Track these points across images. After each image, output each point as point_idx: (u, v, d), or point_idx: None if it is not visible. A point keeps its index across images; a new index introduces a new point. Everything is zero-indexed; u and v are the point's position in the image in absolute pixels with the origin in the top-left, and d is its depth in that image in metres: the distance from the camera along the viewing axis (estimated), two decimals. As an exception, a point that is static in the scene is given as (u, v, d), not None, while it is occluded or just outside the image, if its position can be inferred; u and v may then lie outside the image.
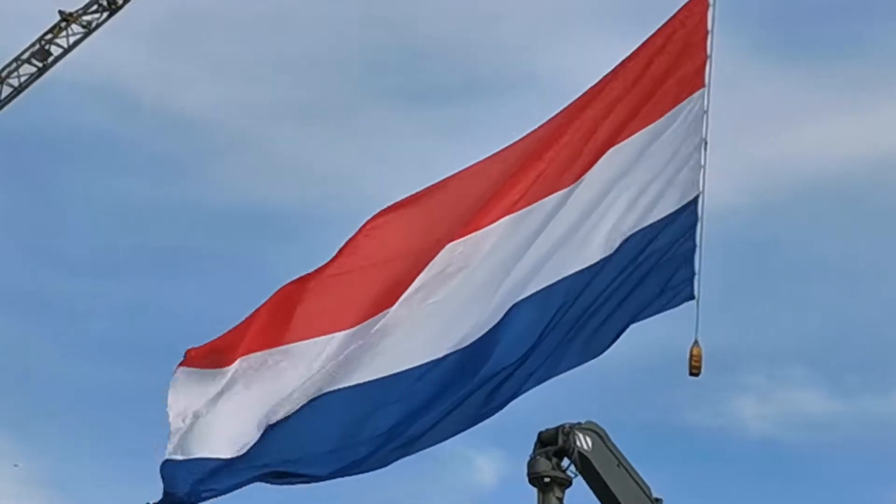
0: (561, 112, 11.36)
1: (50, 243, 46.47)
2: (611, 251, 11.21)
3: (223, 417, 10.10)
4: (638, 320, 11.32)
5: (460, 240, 10.84)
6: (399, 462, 10.65)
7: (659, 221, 11.41)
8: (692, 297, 11.44)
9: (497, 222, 11.07)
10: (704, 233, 11.64)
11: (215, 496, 9.98)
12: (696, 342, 11.51)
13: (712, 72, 11.69)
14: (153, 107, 46.92)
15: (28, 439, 43.35)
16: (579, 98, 11.47)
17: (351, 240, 10.98)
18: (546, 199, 11.21)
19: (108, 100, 47.04)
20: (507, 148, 11.27)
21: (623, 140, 11.43)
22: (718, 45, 11.87)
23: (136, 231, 45.19)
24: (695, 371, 11.55)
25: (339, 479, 10.42)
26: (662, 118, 11.59)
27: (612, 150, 11.44)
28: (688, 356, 11.53)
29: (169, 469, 9.84)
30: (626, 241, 11.25)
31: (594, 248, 11.26)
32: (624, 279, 11.21)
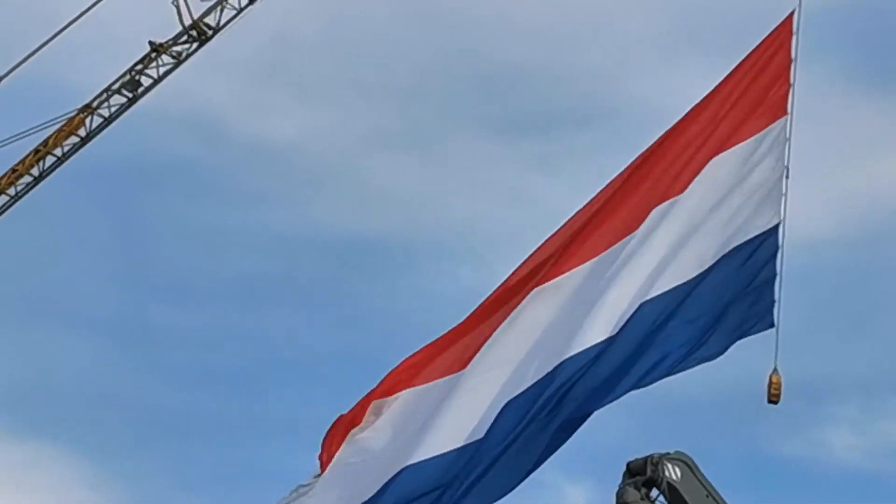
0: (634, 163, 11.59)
1: (139, 271, 47.09)
2: (691, 277, 11.26)
3: None
4: (719, 347, 11.31)
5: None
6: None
7: (738, 248, 11.41)
8: (772, 325, 11.38)
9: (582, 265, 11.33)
10: (798, 263, 11.63)
11: None
12: (775, 370, 11.47)
13: (796, 100, 11.70)
14: (241, 136, 47.53)
15: (109, 465, 43.81)
16: (658, 140, 11.63)
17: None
18: (624, 240, 11.39)
19: (197, 129, 47.70)
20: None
21: (703, 167, 11.50)
22: (810, 73, 11.90)
23: (225, 259, 45.66)
24: (774, 399, 11.51)
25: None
26: (742, 144, 11.63)
27: (695, 180, 11.54)
28: (766, 383, 11.49)
29: None
30: (710, 268, 11.28)
31: (671, 275, 11.30)
32: (703, 306, 11.23)
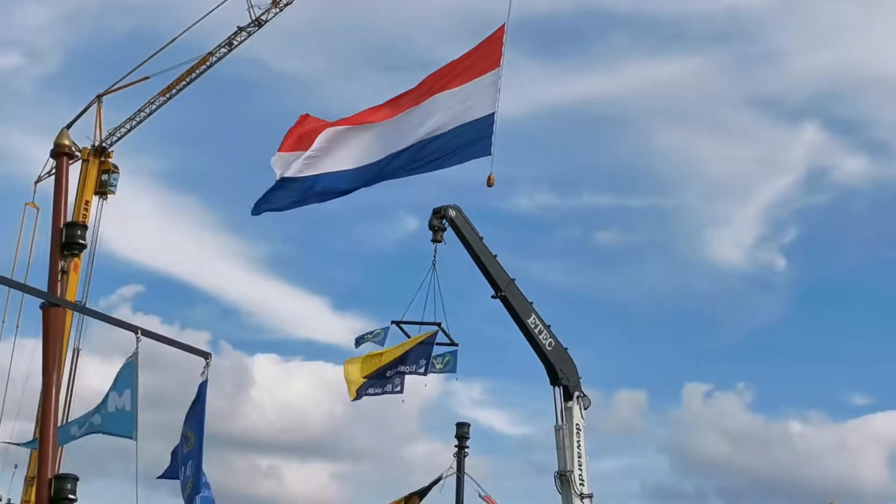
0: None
1: None
2: (446, 129, 27.28)
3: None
4: (460, 162, 27.48)
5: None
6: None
7: (473, 121, 27.36)
8: (489, 154, 27.51)
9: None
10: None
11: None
12: (491, 173, 27.68)
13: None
14: None
15: None
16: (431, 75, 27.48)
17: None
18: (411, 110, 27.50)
19: None
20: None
21: (455, 87, 27.36)
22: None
23: None
24: (490, 184, 27.77)
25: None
26: (477, 78, 27.38)
27: (449, 90, 27.43)
28: (487, 177, 27.76)
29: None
30: (456, 127, 27.30)
31: (437, 125, 27.34)
32: (452, 143, 27.30)
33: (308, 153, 27.48)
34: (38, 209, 54.90)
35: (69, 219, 17.30)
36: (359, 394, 33.64)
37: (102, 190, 58.18)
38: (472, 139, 27.93)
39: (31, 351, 49.54)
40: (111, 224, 60.85)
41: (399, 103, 27.84)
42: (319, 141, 27.57)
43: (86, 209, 56.40)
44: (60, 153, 17.67)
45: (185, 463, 16.39)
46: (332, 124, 27.95)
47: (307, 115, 28.44)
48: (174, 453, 16.84)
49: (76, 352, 56.05)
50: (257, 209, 27.45)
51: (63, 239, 16.76)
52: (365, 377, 33.16)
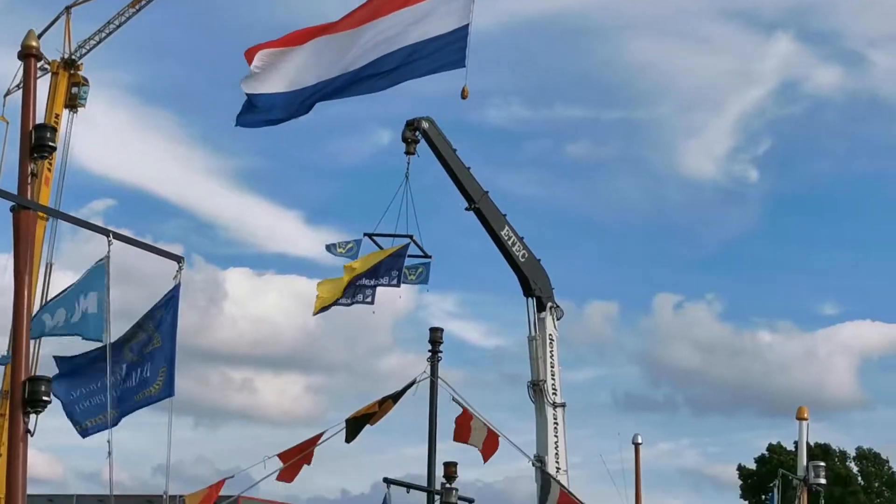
0: None
1: None
2: (416, 41, 26.99)
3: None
4: (431, 73, 27.24)
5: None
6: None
7: (446, 34, 27.11)
8: (463, 66, 27.33)
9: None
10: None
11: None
12: (465, 86, 27.50)
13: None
14: None
15: None
16: None
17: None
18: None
19: None
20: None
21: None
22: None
23: None
24: (464, 96, 27.60)
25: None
26: None
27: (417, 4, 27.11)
28: (462, 89, 27.58)
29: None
30: (427, 38, 27.01)
31: (412, 37, 27.05)
32: (426, 53, 27.03)
33: (251, 68, 27.14)
34: (7, 123, 54.49)
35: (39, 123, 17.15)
36: (325, 309, 33.65)
37: (73, 103, 57.70)
38: (446, 51, 27.67)
39: (2, 267, 49.40)
40: (82, 138, 60.61)
41: (353, 18, 27.49)
42: (261, 58, 27.13)
43: (56, 122, 55.97)
44: (28, 55, 17.44)
45: (145, 364, 16.43)
46: (281, 42, 27.51)
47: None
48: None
49: (49, 266, 55.90)
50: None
51: (32, 141, 16.64)
52: (342, 293, 33.22)
